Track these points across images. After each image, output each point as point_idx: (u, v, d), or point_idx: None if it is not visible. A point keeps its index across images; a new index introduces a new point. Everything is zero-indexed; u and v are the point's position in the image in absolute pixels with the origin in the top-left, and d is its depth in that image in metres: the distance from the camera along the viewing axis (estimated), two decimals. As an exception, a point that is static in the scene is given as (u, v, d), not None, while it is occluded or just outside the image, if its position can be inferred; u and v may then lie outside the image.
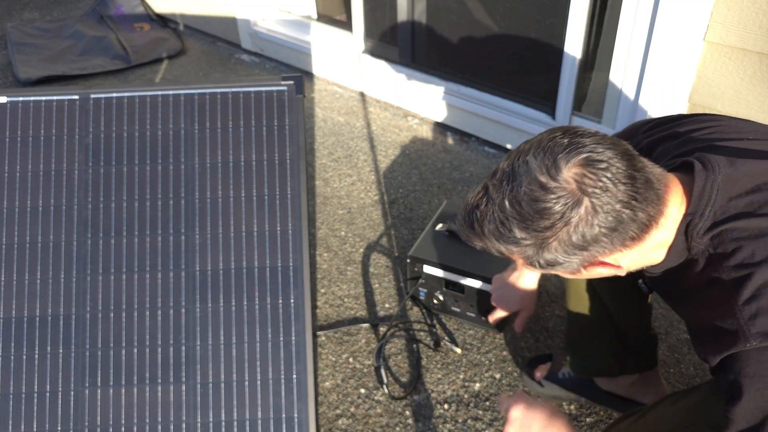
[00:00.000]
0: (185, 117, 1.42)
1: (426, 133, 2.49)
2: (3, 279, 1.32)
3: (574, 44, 2.02)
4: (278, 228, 1.36)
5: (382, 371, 1.53)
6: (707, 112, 1.77)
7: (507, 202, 0.79)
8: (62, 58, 3.10)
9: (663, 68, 1.80)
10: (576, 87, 2.10)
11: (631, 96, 1.96)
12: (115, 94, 1.43)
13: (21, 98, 1.42)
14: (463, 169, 2.26)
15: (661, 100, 1.84)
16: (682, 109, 1.81)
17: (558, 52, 2.11)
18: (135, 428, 1.27)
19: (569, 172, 0.76)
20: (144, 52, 3.16)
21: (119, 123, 1.41)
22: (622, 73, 1.96)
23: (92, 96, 1.43)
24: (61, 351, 1.29)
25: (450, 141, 2.43)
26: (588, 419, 1.42)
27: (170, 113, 1.42)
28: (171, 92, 1.43)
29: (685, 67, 1.75)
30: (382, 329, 1.65)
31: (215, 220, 1.36)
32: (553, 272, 0.86)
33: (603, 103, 2.06)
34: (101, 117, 1.41)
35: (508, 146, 2.34)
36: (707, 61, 1.72)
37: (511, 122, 2.27)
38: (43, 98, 1.42)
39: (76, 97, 1.43)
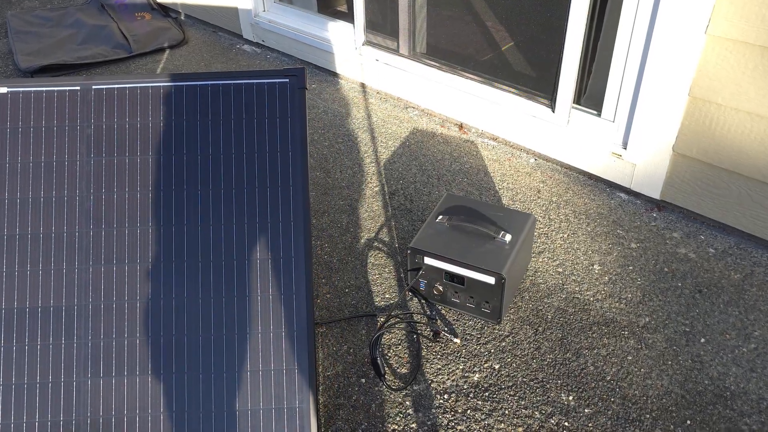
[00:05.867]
0: (187, 109, 1.42)
1: (426, 124, 2.49)
2: (5, 269, 1.33)
3: (574, 37, 2.02)
4: (280, 219, 1.37)
5: (379, 362, 1.54)
6: (708, 105, 1.77)
7: None
8: (63, 47, 3.09)
9: (664, 61, 1.80)
10: (576, 80, 2.10)
11: (631, 89, 1.96)
12: (116, 85, 1.43)
13: (21, 88, 1.42)
14: (463, 161, 2.27)
15: (662, 94, 1.84)
16: (683, 102, 1.81)
17: (558, 45, 2.11)
18: (137, 418, 1.28)
19: None
20: (145, 42, 3.15)
21: (121, 114, 1.41)
22: (622, 66, 1.96)
23: (93, 87, 1.43)
24: (63, 342, 1.30)
25: (450, 132, 2.43)
26: (587, 410, 1.43)
27: (172, 105, 1.42)
28: (172, 84, 1.43)
29: (686, 60, 1.75)
30: (382, 320, 1.66)
31: (217, 212, 1.37)
32: None
33: (603, 96, 2.06)
34: (102, 108, 1.42)
35: (508, 138, 2.34)
36: (708, 55, 1.72)
37: (510, 115, 2.27)
38: (44, 89, 1.42)
39: (77, 87, 1.43)
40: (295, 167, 1.40)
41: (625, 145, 2.04)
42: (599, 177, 2.14)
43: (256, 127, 1.41)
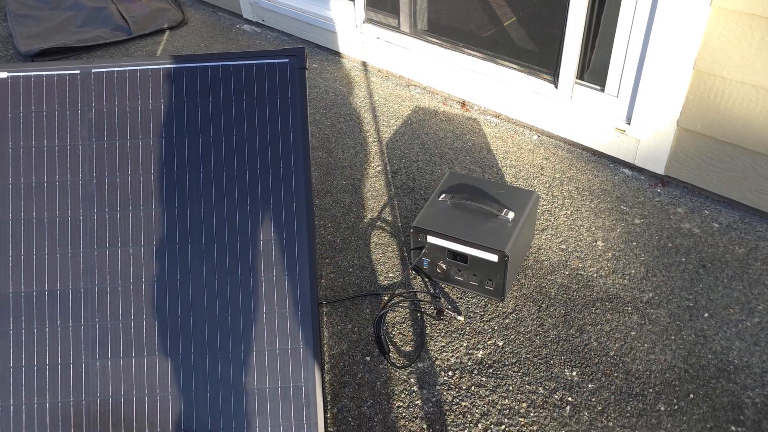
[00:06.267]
0: (187, 91, 1.41)
1: (428, 102, 2.47)
2: (11, 254, 1.34)
3: (577, 11, 1.99)
4: (282, 200, 1.37)
5: (383, 340, 1.55)
6: (713, 79, 1.76)
7: None
8: (62, 29, 3.08)
9: (668, 34, 1.78)
10: (579, 55, 2.08)
11: (635, 63, 1.94)
12: (116, 68, 1.43)
13: (22, 73, 1.42)
14: (466, 139, 2.26)
15: (666, 68, 1.82)
16: (687, 76, 1.80)
17: (561, 20, 2.08)
18: (146, 398, 1.30)
19: None
20: (144, 23, 3.13)
21: (121, 97, 1.41)
22: (626, 40, 1.93)
23: (93, 70, 1.43)
24: (71, 324, 1.32)
25: (452, 110, 2.42)
26: (590, 385, 1.44)
27: (172, 87, 1.42)
28: (172, 66, 1.42)
29: (691, 33, 1.73)
30: (386, 298, 1.67)
31: (220, 194, 1.37)
32: None
33: (606, 71, 2.04)
34: (103, 91, 1.41)
35: (510, 115, 2.33)
36: (713, 27, 1.69)
37: (513, 91, 2.26)
38: (44, 73, 1.42)
39: (77, 71, 1.42)
40: (296, 148, 1.40)
41: (628, 121, 2.02)
42: (603, 153, 2.13)
43: (257, 108, 1.41)
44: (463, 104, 2.44)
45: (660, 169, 2.00)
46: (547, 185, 2.03)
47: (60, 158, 1.38)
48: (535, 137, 2.25)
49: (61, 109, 1.40)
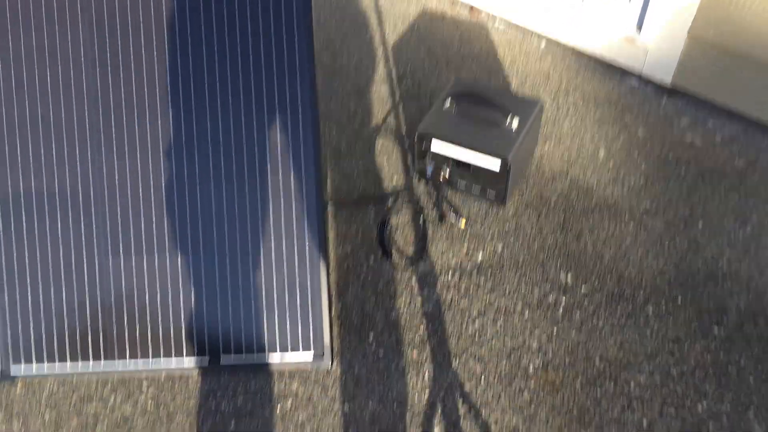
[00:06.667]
0: (190, -12, 1.38)
1: (435, 5, 2.41)
2: (19, 153, 1.36)
3: None
4: (288, 105, 1.38)
5: (386, 243, 1.60)
6: (728, -16, 1.70)
7: None
8: None
9: (687, -64, 1.71)
10: (594, -44, 2.00)
11: (651, -33, 1.88)
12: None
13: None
14: (473, 45, 2.22)
15: (682, -28, 1.77)
16: (703, -19, 1.74)
17: None
18: (158, 294, 1.36)
19: None
20: None
21: (122, 13, 1.38)
22: (643, -59, 1.86)
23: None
24: (82, 223, 1.36)
25: (460, 14, 2.36)
26: (583, 288, 1.51)
27: (175, -16, 1.38)
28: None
29: (711, -65, 1.66)
30: (390, 202, 1.70)
31: (225, 99, 1.37)
32: None
33: (621, -25, 1.98)
34: (103, 6, 1.38)
35: (519, 21, 2.27)
36: (734, -71, 1.63)
37: (524, -5, 2.19)
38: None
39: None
40: (301, 52, 1.38)
41: (639, 28, 1.98)
42: (611, 62, 2.10)
43: (261, 12, 1.38)
44: (472, 9, 2.38)
45: (667, 80, 1.98)
46: (552, 94, 2.02)
47: (62, 58, 1.37)
48: (543, 45, 2.21)
49: (60, 4, 1.38)
